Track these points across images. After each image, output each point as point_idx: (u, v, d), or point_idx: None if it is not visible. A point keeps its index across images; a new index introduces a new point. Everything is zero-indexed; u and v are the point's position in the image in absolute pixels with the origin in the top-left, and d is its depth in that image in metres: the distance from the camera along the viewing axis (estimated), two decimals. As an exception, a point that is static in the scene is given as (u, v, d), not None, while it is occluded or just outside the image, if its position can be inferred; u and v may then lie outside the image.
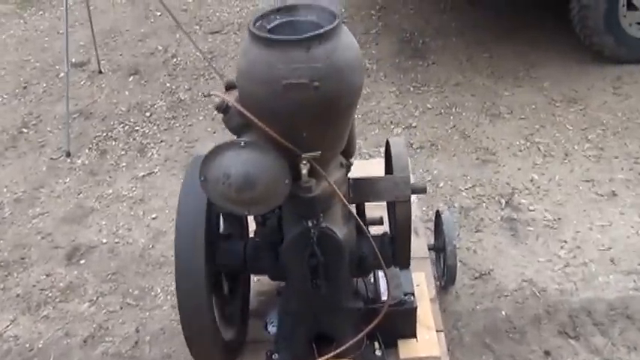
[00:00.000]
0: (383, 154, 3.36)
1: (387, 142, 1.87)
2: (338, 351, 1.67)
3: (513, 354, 2.30)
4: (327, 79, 1.34)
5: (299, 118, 1.37)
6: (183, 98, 4.11)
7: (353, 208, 1.61)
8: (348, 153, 1.71)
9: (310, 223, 1.49)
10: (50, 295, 2.82)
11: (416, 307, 1.74)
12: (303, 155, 1.39)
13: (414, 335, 1.80)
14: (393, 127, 3.63)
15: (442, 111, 3.71)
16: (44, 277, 2.91)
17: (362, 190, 1.61)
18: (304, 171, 1.38)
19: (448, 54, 4.20)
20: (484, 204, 3.02)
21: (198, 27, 4.95)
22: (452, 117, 3.65)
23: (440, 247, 2.49)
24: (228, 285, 1.79)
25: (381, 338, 1.76)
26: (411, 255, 2.11)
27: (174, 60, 4.55)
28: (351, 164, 1.60)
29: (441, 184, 3.17)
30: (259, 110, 1.36)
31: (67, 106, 3.74)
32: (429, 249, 2.54)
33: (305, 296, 1.63)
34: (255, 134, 1.40)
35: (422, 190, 1.71)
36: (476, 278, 2.64)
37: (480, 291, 2.58)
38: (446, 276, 2.51)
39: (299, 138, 1.39)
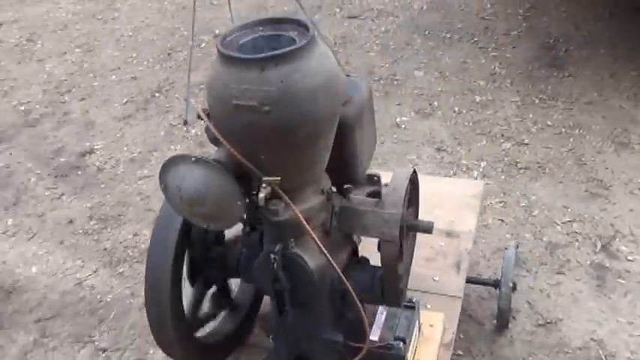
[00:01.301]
0: (483, 169, 3.16)
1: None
2: (316, 380, 1.61)
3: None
4: (279, 105, 1.24)
5: (252, 141, 1.31)
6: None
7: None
8: (346, 178, 1.60)
9: (277, 247, 1.43)
10: (131, 254, 3.03)
11: (404, 356, 1.60)
12: (263, 178, 1.33)
13: (402, 383, 1.67)
14: (502, 141, 3.36)
15: (563, 130, 3.35)
16: (131, 236, 3.12)
17: (347, 220, 1.50)
18: (262, 194, 1.31)
19: (590, 67, 3.77)
20: (577, 243, 2.70)
21: (338, 9, 4.94)
22: (572, 139, 3.29)
23: (495, 286, 2.28)
24: (216, 286, 1.79)
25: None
26: (443, 292, 1.97)
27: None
28: (332, 192, 1.49)
29: (536, 212, 2.88)
30: (218, 127, 1.32)
31: (188, 78, 3.92)
32: (490, 284, 2.34)
33: (280, 318, 1.58)
34: (222, 150, 1.36)
35: (426, 230, 1.56)
36: (539, 325, 2.38)
37: (538, 340, 2.32)
38: (497, 318, 2.30)
39: (258, 160, 1.33)
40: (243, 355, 1.84)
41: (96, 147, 3.89)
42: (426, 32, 4.46)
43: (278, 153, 1.32)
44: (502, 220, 2.85)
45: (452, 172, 3.18)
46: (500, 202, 2.96)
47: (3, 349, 2.59)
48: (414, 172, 1.61)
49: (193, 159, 1.31)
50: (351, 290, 1.46)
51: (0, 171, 3.83)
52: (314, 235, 1.36)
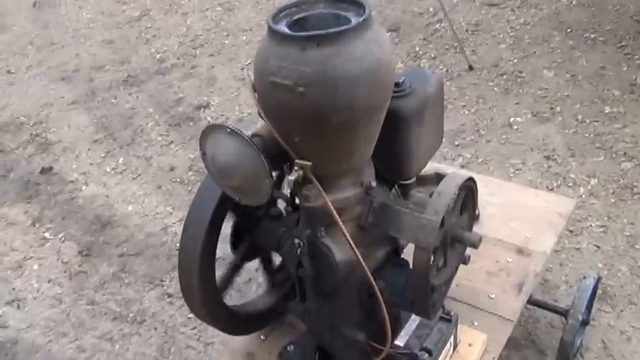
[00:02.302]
0: (591, 187, 2.89)
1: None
2: (334, 372, 1.58)
3: None
4: (314, 88, 1.17)
5: (286, 121, 1.26)
6: (422, 67, 4.00)
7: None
8: (397, 175, 1.52)
9: (305, 234, 1.39)
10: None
11: (426, 369, 1.52)
12: (295, 161, 1.29)
13: (423, 397, 1.58)
14: (623, 159, 3.05)
15: (697, 160, 2.98)
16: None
17: (384, 218, 1.41)
18: (292, 177, 1.28)
19: None
20: (680, 287, 2.41)
21: (482, -5, 4.70)
22: None
23: (565, 316, 2.10)
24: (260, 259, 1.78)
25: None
26: (496, 312, 1.84)
27: (437, 26, 4.42)
28: (372, 187, 1.40)
29: (639, 246, 2.60)
30: (260, 101, 1.29)
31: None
32: (558, 312, 2.16)
33: (302, 305, 1.55)
34: (264, 125, 1.34)
35: (472, 244, 1.44)
36: (609, 368, 2.17)
37: (604, 385, 2.12)
38: (558, 351, 2.12)
39: (292, 142, 1.28)
40: (276, 331, 1.85)
41: (212, 102, 4.05)
42: (569, 30, 4.12)
43: (311, 137, 1.28)
44: (598, 247, 2.61)
45: (556, 184, 2.95)
46: (602, 226, 2.70)
47: (86, 275, 2.81)
48: (472, 179, 1.49)
49: (229, 130, 1.30)
50: (377, 291, 1.39)
51: (125, 112, 4.11)
52: (343, 227, 1.31)
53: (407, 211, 1.39)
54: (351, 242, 1.32)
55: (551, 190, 2.91)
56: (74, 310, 2.63)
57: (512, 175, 3.05)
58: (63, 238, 3.04)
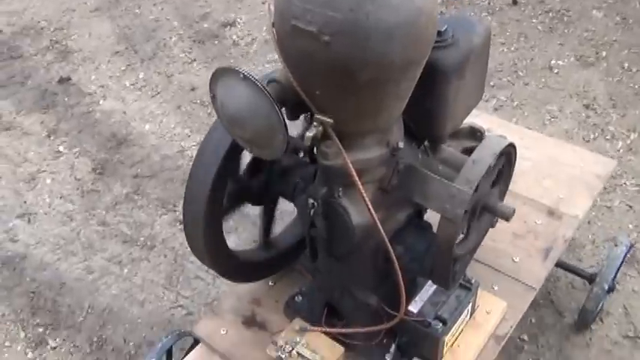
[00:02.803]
0: (631, 142, 2.71)
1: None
2: (341, 331, 1.51)
3: None
4: (342, 38, 1.02)
5: (307, 71, 1.12)
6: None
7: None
8: (428, 133, 1.39)
9: (321, 192, 1.29)
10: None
11: (439, 338, 1.44)
12: (315, 116, 1.16)
13: (432, 363, 1.52)
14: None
15: None
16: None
17: (409, 182, 1.29)
18: (311, 133, 1.15)
19: None
20: None
21: None
22: None
23: (590, 280, 2.01)
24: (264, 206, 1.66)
25: (402, 347, 1.53)
26: (519, 278, 1.75)
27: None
28: (399, 148, 1.27)
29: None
30: (278, 44, 1.15)
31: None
32: (584, 277, 2.07)
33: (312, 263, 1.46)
34: (283, 71, 1.20)
35: (503, 216, 1.33)
36: (627, 337, 2.09)
37: (619, 354, 2.05)
38: (579, 315, 2.04)
39: (312, 95, 1.15)
40: (286, 279, 1.78)
41: (239, 20, 3.86)
42: (625, -34, 3.80)
43: (334, 92, 1.14)
44: (630, 207, 2.48)
45: (593, 136, 2.78)
46: (637, 185, 2.56)
47: (99, 194, 2.75)
48: (511, 145, 1.35)
49: (242, 75, 1.16)
50: (394, 256, 1.29)
51: (149, 23, 3.94)
52: (362, 190, 1.20)
53: (436, 177, 1.27)
54: (370, 207, 1.21)
55: (587, 142, 2.75)
56: (84, 229, 2.59)
57: (547, 122, 2.88)
58: (77, 154, 2.97)
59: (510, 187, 1.51)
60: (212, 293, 2.29)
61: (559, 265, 2.08)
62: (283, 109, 1.21)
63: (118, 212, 2.66)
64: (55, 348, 2.20)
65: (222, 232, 1.53)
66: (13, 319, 2.30)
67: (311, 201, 1.29)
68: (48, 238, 2.57)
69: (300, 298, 1.69)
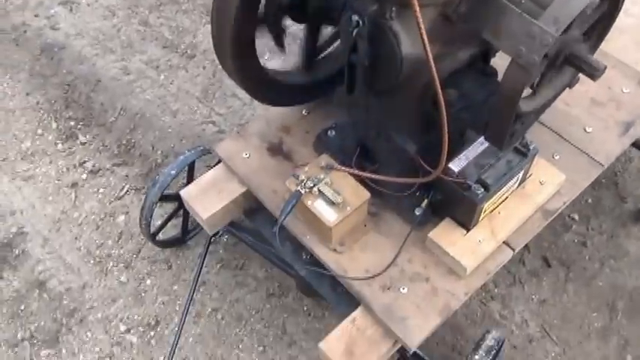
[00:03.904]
0: None
1: None
2: (372, 176, 1.34)
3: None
4: None
5: None
6: None
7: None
8: None
9: (370, 9, 1.04)
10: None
11: (477, 204, 1.25)
12: None
13: (466, 228, 1.35)
14: None
15: None
16: None
17: (482, 11, 1.02)
18: None
19: None
20: None
21: None
22: None
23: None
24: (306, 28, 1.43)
25: (435, 204, 1.36)
26: (586, 150, 1.51)
27: None
28: None
29: None
30: None
31: None
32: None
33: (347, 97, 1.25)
34: None
35: (589, 71, 1.06)
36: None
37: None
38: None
39: None
40: (320, 110, 1.59)
41: None
42: None
43: None
44: None
45: None
46: None
47: None
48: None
49: None
50: (442, 101, 1.07)
51: None
52: (418, 12, 0.95)
53: (516, 9, 1.00)
54: (425, 36, 0.97)
55: None
56: (125, 27, 2.42)
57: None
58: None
59: (602, 44, 1.23)
60: (247, 114, 2.14)
61: (637, 144, 1.81)
62: None
63: (161, 14, 2.46)
64: (84, 144, 2.13)
65: (253, 42, 1.32)
66: (47, 108, 2.22)
67: (355, 18, 1.06)
68: (88, 31, 2.42)
69: (333, 133, 1.51)
